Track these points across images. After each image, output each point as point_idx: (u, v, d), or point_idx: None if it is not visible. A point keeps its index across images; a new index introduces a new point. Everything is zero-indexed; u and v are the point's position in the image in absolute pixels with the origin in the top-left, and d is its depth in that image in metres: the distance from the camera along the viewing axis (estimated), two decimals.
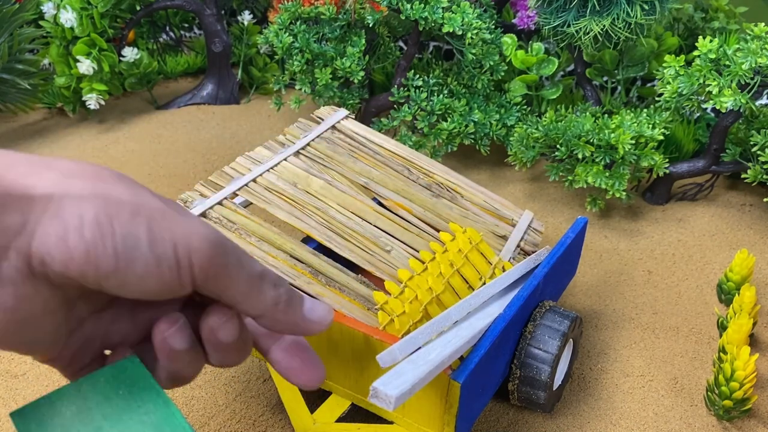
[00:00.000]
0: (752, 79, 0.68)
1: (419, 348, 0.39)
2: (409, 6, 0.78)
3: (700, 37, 0.71)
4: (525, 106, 0.86)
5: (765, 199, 0.77)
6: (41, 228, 0.25)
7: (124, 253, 0.26)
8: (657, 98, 0.74)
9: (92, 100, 0.94)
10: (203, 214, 0.49)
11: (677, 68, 0.72)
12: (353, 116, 0.64)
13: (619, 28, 0.73)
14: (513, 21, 0.92)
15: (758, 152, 0.72)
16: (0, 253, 0.25)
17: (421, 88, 0.84)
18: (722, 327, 0.59)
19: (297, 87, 0.84)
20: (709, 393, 0.53)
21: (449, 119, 0.82)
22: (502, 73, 0.85)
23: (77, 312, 0.30)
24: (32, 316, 0.27)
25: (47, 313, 0.27)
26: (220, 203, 0.51)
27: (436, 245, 0.52)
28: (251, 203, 0.53)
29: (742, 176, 0.74)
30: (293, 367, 0.33)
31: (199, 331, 0.31)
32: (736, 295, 0.60)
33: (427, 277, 0.49)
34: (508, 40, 0.84)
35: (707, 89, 0.69)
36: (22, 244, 0.25)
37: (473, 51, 0.80)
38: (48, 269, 0.25)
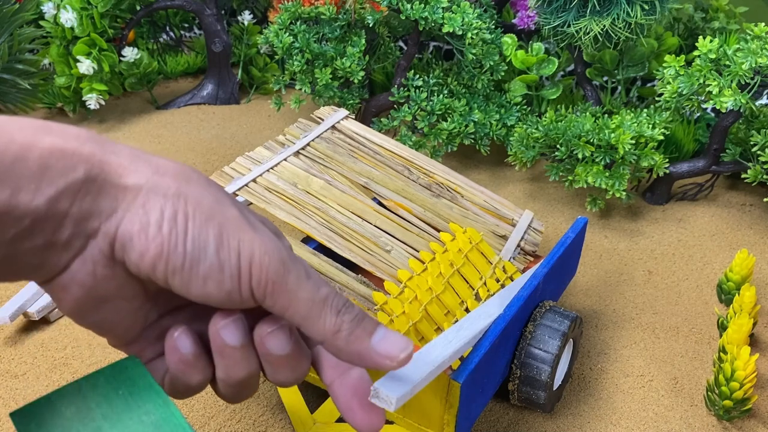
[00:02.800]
0: (752, 79, 0.68)
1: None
2: (409, 6, 0.78)
3: (700, 37, 0.71)
4: (525, 106, 0.86)
5: (765, 199, 0.77)
6: (128, 216, 0.27)
7: (192, 252, 0.27)
8: (657, 98, 0.74)
9: (92, 100, 0.94)
10: None
11: (677, 68, 0.72)
12: (353, 116, 0.64)
13: (619, 28, 0.73)
14: (513, 21, 0.92)
15: (758, 152, 0.72)
16: (90, 233, 0.27)
17: (421, 88, 0.84)
18: (722, 327, 0.59)
19: (297, 87, 0.84)
20: (709, 393, 0.53)
21: (449, 119, 0.82)
22: (502, 73, 0.85)
23: (156, 306, 0.31)
24: (108, 297, 0.28)
25: (122, 298, 0.29)
26: None
27: (436, 245, 0.52)
28: (251, 203, 0.53)
29: (742, 176, 0.74)
30: (351, 409, 0.32)
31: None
32: (736, 295, 0.60)
33: (427, 277, 0.49)
34: (508, 40, 0.84)
35: (707, 89, 0.69)
36: (109, 228, 0.27)
37: (473, 51, 0.80)
38: (126, 256, 0.27)
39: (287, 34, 0.82)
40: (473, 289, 0.50)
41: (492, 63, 0.83)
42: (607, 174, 0.73)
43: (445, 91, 0.84)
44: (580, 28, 0.74)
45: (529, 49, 0.84)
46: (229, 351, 0.30)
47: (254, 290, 0.28)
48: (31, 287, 0.61)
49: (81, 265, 0.27)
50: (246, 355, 0.30)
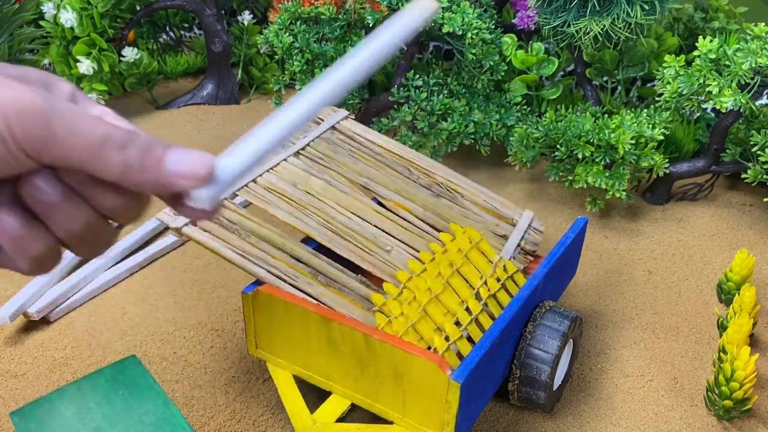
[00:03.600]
0: (752, 79, 0.68)
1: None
2: None
3: (700, 37, 0.71)
4: (525, 106, 0.86)
5: (765, 199, 0.77)
6: None
7: None
8: (657, 98, 0.74)
9: None
10: None
11: (677, 68, 0.72)
12: (353, 116, 0.64)
13: (619, 28, 0.73)
14: (513, 21, 0.92)
15: (758, 152, 0.72)
16: None
17: (421, 88, 0.84)
18: (722, 327, 0.59)
19: (297, 87, 0.84)
20: (709, 393, 0.53)
21: (449, 119, 0.82)
22: (502, 73, 0.84)
23: None
24: None
25: None
26: None
27: (436, 246, 0.52)
28: (251, 203, 0.53)
29: (742, 176, 0.74)
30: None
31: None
32: (736, 295, 0.60)
33: (426, 277, 0.49)
34: (508, 40, 0.84)
35: (707, 89, 0.69)
36: None
37: (473, 51, 0.80)
38: None
39: (287, 34, 0.82)
40: (473, 289, 0.50)
41: (492, 63, 0.83)
42: (607, 174, 0.73)
43: (445, 91, 0.84)
44: (580, 28, 0.74)
45: (529, 49, 0.84)
46: (52, 205, 0.28)
47: (26, 150, 0.26)
48: (31, 287, 0.61)
49: None
50: (71, 205, 0.29)
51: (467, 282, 0.51)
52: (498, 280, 0.52)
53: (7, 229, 0.28)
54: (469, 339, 0.46)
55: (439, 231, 0.55)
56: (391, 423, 0.46)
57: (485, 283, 0.51)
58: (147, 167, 0.28)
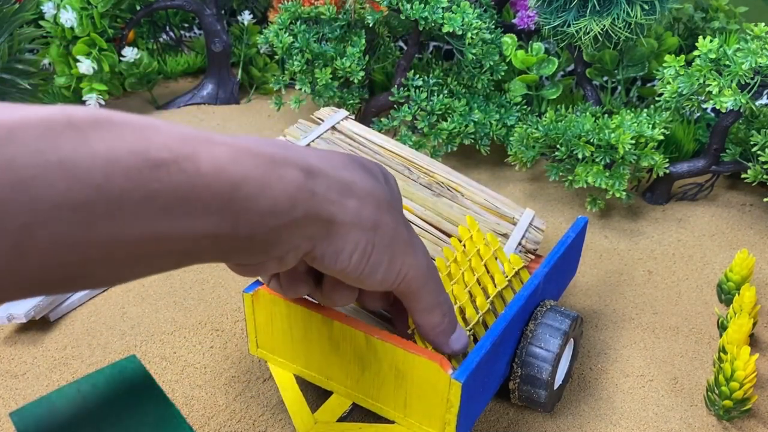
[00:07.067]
0: (752, 79, 0.68)
1: None
2: (409, 6, 0.78)
3: (700, 37, 0.71)
4: (525, 106, 0.86)
5: (765, 199, 0.77)
6: (330, 244, 0.32)
7: (368, 272, 0.34)
8: (657, 98, 0.74)
9: (92, 100, 0.94)
10: None
11: (677, 68, 0.72)
12: (353, 117, 0.64)
13: (619, 28, 0.73)
14: (513, 21, 0.92)
15: (758, 152, 0.72)
16: (302, 251, 0.32)
17: (421, 88, 0.84)
18: (722, 327, 0.59)
19: (297, 87, 0.84)
20: (709, 393, 0.53)
21: (449, 119, 0.82)
22: (502, 73, 0.85)
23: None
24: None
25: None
26: None
27: (449, 251, 0.52)
28: None
29: (742, 176, 0.74)
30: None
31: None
32: (736, 295, 0.60)
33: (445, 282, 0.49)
34: (508, 40, 0.84)
35: (707, 89, 0.69)
36: (315, 253, 0.33)
37: (473, 51, 0.80)
38: (315, 265, 0.34)
39: (287, 34, 0.82)
40: (481, 285, 0.49)
41: (492, 63, 0.83)
42: (607, 174, 0.73)
43: (445, 91, 0.84)
44: (580, 28, 0.74)
45: (529, 49, 0.84)
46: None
47: (394, 292, 0.37)
48: None
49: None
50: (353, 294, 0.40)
51: (477, 279, 0.50)
52: (505, 276, 0.51)
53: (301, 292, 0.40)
54: (474, 339, 0.46)
55: (438, 230, 0.55)
56: (393, 422, 0.46)
57: (492, 278, 0.51)
58: (444, 335, 0.41)
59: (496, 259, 0.53)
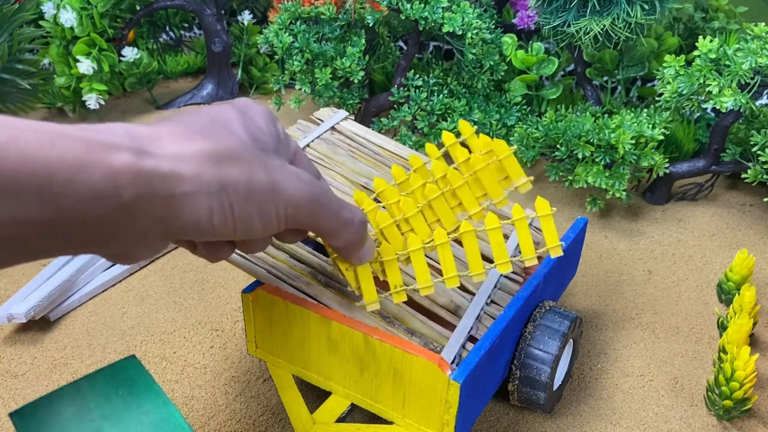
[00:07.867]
0: (752, 79, 0.68)
1: None
2: (409, 6, 0.78)
3: (700, 37, 0.71)
4: (525, 106, 0.86)
5: (765, 199, 0.77)
6: (182, 215, 0.31)
7: (242, 228, 0.33)
8: (657, 98, 0.74)
9: (92, 100, 0.94)
10: None
11: (677, 68, 0.72)
12: (353, 117, 0.64)
13: (619, 28, 0.73)
14: (513, 21, 0.92)
15: (758, 152, 0.72)
16: (153, 226, 0.31)
17: (421, 88, 0.84)
18: (722, 327, 0.59)
19: (297, 87, 0.84)
20: (709, 393, 0.53)
21: (449, 119, 0.82)
22: (502, 73, 0.84)
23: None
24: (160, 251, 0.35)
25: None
26: None
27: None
28: None
29: (742, 176, 0.74)
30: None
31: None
32: (736, 295, 0.60)
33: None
34: (508, 40, 0.84)
35: (707, 89, 0.69)
36: (168, 227, 0.31)
37: (473, 51, 0.80)
38: (186, 236, 0.33)
39: (287, 34, 0.82)
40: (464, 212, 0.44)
41: (492, 63, 0.83)
42: (607, 174, 0.73)
43: (445, 91, 0.84)
44: (580, 28, 0.74)
45: (529, 49, 0.84)
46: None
47: (289, 225, 0.35)
48: (30, 287, 0.61)
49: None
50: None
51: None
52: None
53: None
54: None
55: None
56: (391, 423, 0.46)
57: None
58: (357, 249, 0.40)
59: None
